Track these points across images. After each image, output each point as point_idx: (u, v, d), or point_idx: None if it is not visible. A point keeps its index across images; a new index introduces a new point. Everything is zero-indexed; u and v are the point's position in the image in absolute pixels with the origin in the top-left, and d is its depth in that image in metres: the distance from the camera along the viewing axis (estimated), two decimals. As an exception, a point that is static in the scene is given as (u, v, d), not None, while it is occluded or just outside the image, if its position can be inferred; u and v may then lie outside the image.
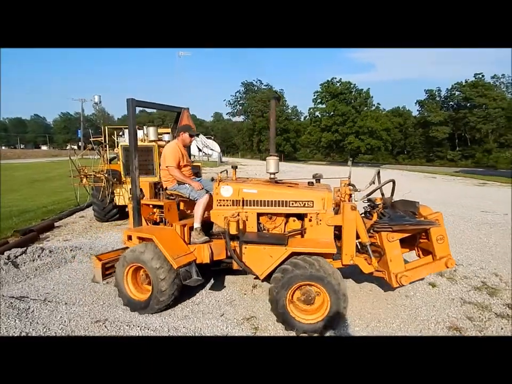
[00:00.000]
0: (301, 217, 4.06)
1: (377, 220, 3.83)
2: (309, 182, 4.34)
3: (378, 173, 4.15)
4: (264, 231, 4.07)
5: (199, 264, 4.08)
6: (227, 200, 3.98)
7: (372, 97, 58.83)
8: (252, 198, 3.94)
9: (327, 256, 3.71)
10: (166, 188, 4.52)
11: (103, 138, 9.30)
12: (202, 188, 4.40)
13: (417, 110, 64.34)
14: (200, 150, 38.53)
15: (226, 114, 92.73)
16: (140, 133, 10.79)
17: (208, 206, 4.24)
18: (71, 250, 6.24)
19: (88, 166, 9.00)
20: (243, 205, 3.95)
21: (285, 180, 4.52)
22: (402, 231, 3.78)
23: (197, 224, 4.25)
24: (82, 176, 8.75)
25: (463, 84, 56.57)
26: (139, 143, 9.31)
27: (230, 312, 4.02)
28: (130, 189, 8.34)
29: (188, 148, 4.88)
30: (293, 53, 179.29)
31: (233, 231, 3.74)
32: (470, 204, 11.70)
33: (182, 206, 4.63)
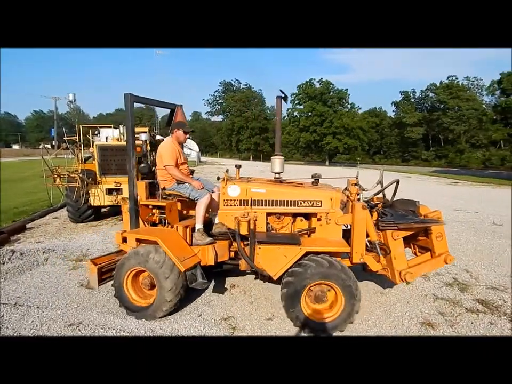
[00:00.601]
0: (307, 216, 4.08)
1: (380, 218, 3.85)
2: (313, 182, 4.35)
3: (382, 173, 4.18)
4: (272, 231, 4.04)
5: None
6: (234, 200, 3.90)
7: (349, 95, 59.75)
8: (261, 198, 3.90)
9: (337, 255, 3.73)
10: (164, 188, 4.34)
11: (77, 137, 9.08)
12: (203, 187, 4.31)
13: (393, 111, 65.86)
14: (178, 150, 38.27)
15: (205, 113, 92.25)
16: (116, 132, 10.57)
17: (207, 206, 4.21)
18: (43, 252, 6.06)
19: (62, 165, 8.76)
20: (251, 205, 3.89)
21: (289, 180, 4.47)
22: (407, 229, 3.86)
23: (199, 225, 4.14)
24: (56, 176, 8.50)
25: (437, 85, 58.23)
26: (115, 142, 9.17)
27: (208, 313, 4.00)
28: (109, 189, 8.26)
29: (182, 145, 4.70)
30: (272, 53, 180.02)
31: (244, 231, 3.71)
32: (443, 203, 12.04)
33: (178, 206, 4.46)
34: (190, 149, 40.92)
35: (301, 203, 3.88)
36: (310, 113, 57.22)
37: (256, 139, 69.64)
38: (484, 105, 54.01)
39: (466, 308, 4.16)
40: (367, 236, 3.74)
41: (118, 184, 8.33)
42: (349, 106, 60.69)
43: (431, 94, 59.69)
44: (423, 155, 57.39)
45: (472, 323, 3.83)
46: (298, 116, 60.53)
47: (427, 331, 3.64)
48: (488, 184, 23.54)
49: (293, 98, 60.39)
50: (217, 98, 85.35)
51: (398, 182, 4.07)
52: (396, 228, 3.79)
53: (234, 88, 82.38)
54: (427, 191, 16.46)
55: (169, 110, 5.03)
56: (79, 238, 7.19)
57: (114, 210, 9.85)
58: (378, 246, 3.75)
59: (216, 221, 4.12)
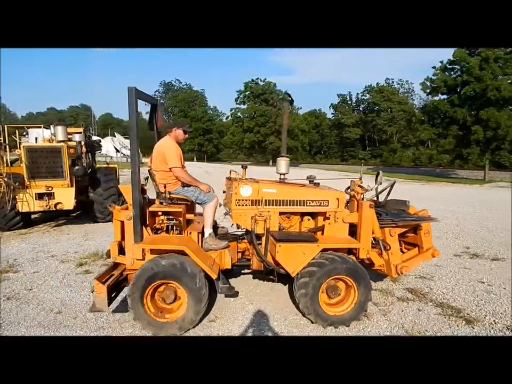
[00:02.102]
0: (314, 216, 4.20)
1: (379, 217, 4.06)
2: (314, 183, 4.47)
3: (378, 174, 4.31)
4: (282, 230, 4.12)
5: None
6: (246, 200, 3.89)
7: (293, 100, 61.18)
8: (272, 198, 3.93)
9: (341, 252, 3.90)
10: (169, 191, 4.01)
11: (2, 138, 8.36)
12: (210, 190, 4.14)
13: (332, 113, 68.66)
14: (118, 151, 36.63)
15: (146, 113, 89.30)
16: (46, 133, 9.88)
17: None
18: (-38, 265, 5.50)
19: (-16, 169, 8.00)
20: (263, 205, 3.91)
21: (292, 181, 4.49)
22: (404, 226, 4.19)
23: (210, 230, 4.03)
24: (-23, 180, 7.75)
25: (371, 89, 61.75)
26: (46, 144, 8.58)
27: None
28: (39, 193, 7.68)
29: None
30: (215, 53, 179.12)
31: (260, 230, 3.79)
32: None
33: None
34: (130, 150, 39.56)
35: (309, 203, 3.99)
36: (254, 113, 57.85)
37: (200, 140, 68.94)
38: (413, 108, 58.14)
39: (397, 297, 4.45)
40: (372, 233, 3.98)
41: (50, 188, 7.80)
42: (291, 107, 62.22)
43: (366, 96, 63.14)
44: (360, 154, 60.63)
45: (402, 311, 4.10)
46: (242, 117, 60.93)
47: (363, 321, 3.83)
48: (418, 180, 25.42)
49: (237, 96, 60.72)
50: (158, 99, 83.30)
51: (394, 183, 4.39)
52: (395, 225, 4.10)
53: (175, 88, 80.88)
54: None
55: (150, 105, 4.59)
56: (5, 248, 6.62)
57: (47, 216, 9.23)
58: (382, 243, 3.99)
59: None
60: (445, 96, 34.58)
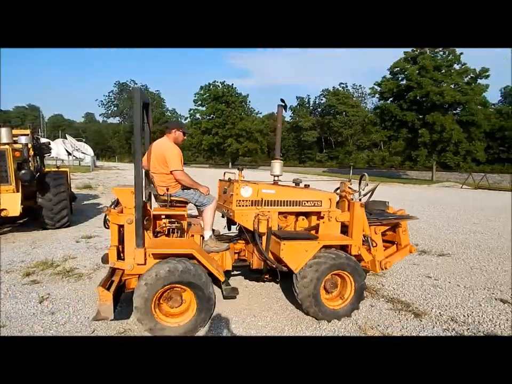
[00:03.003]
0: (308, 215, 4.39)
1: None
2: (305, 185, 4.70)
3: (362, 176, 4.68)
4: (281, 229, 4.27)
5: None
6: (247, 201, 4.01)
7: (249, 102, 61.86)
8: (271, 198, 4.08)
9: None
10: (170, 194, 3.91)
11: None
12: (209, 193, 4.13)
13: (290, 116, 69.88)
14: (69, 154, 35.08)
15: (100, 115, 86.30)
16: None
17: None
18: None
19: None
20: (262, 205, 4.03)
21: (284, 183, 4.60)
22: (388, 224, 4.58)
23: (210, 232, 4.08)
24: None
25: (327, 92, 63.59)
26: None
27: (102, 328, 3.73)
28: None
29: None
30: (172, 53, 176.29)
31: (263, 229, 3.91)
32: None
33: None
34: (83, 152, 38.05)
35: (305, 203, 4.20)
36: (212, 115, 57.59)
37: (157, 142, 67.62)
38: (366, 111, 60.53)
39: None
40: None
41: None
42: (250, 110, 62.76)
43: (323, 100, 64.97)
44: (317, 157, 62.22)
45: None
46: (200, 118, 60.42)
47: (319, 320, 3.93)
48: (372, 182, 26.30)
49: (196, 98, 60.20)
50: (112, 99, 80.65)
51: (377, 185, 4.70)
52: (379, 223, 4.45)
53: (131, 88, 78.72)
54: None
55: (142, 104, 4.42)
56: None
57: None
58: (370, 240, 4.28)
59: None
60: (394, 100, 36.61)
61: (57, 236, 7.61)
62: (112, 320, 3.52)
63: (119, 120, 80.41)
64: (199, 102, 60.27)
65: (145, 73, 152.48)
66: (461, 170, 34.44)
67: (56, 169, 9.27)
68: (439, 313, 4.16)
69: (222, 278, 3.66)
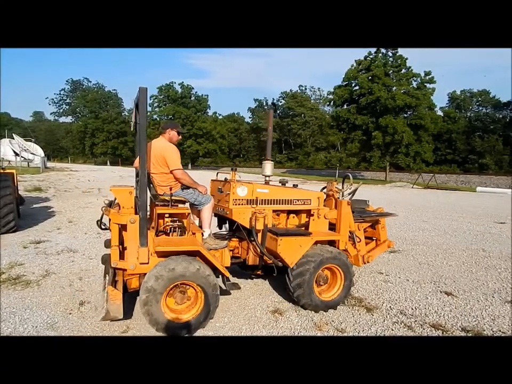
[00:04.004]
0: (298, 213, 4.61)
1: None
2: (293, 185, 4.96)
3: (345, 176, 5.05)
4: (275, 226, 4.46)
5: None
6: (243, 199, 4.17)
7: (209, 105, 61.59)
8: (265, 197, 4.27)
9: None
10: (171, 194, 3.93)
11: None
12: (207, 192, 4.24)
13: (249, 117, 70.28)
14: (17, 155, 33.08)
15: (51, 114, 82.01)
16: None
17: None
18: None
19: None
20: (257, 204, 4.20)
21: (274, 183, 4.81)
22: (370, 221, 5.03)
23: (209, 230, 4.20)
24: None
25: (286, 94, 64.61)
26: None
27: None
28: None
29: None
30: (129, 53, 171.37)
31: (260, 227, 4.06)
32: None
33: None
34: (32, 153, 36.03)
35: (295, 202, 4.42)
36: (172, 117, 56.68)
37: (114, 143, 65.35)
38: (324, 114, 62.17)
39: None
40: None
41: None
42: (209, 111, 62.50)
43: (282, 102, 65.90)
44: (277, 157, 62.89)
45: (313, 305, 4.35)
46: (158, 119, 59.24)
47: (276, 318, 3.99)
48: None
49: (151, 100, 59.00)
50: (64, 98, 77.01)
51: (359, 186, 5.03)
52: (362, 220, 4.83)
53: (84, 87, 75.70)
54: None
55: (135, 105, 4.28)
56: None
57: None
58: (355, 235, 4.63)
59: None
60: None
61: (3, 241, 7.16)
62: (121, 319, 3.53)
63: (71, 119, 76.87)
64: (156, 104, 59.17)
65: (100, 71, 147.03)
66: (412, 171, 36.31)
67: (2, 171, 8.72)
68: (390, 307, 4.37)
69: (227, 274, 3.78)
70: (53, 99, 77.00)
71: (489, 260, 6.63)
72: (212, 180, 4.83)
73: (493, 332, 3.79)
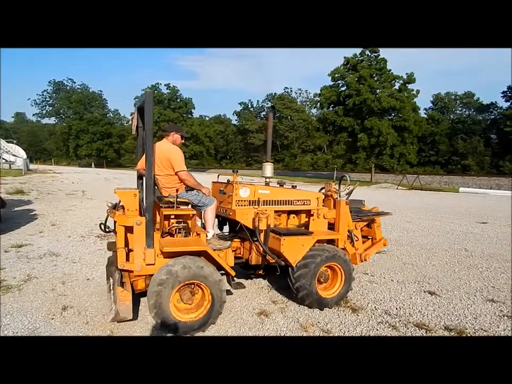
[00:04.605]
0: (297, 213, 4.71)
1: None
2: (292, 186, 4.97)
3: (342, 177, 5.13)
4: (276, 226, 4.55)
5: None
6: (245, 200, 4.24)
7: (194, 106, 61.40)
8: (266, 198, 4.35)
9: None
10: (177, 195, 4.00)
11: None
12: (210, 194, 4.34)
13: (235, 120, 70.25)
14: (-2, 157, 32.35)
15: (33, 115, 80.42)
16: None
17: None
18: None
19: None
20: (259, 205, 4.27)
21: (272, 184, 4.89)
22: (367, 220, 5.22)
23: (212, 231, 4.28)
24: None
25: (272, 96, 64.83)
26: None
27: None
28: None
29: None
30: (115, 53, 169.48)
31: (263, 226, 4.13)
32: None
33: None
34: (14, 155, 35.31)
35: (296, 202, 4.53)
36: (157, 119, 56.29)
37: (99, 144, 64.46)
38: (310, 116, 62.61)
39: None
40: None
41: None
42: (194, 113, 62.36)
43: (268, 104, 66.13)
44: (264, 159, 62.90)
45: (298, 306, 4.36)
46: (144, 121, 58.80)
47: (262, 320, 3.99)
48: (316, 184, 27.26)
49: (136, 102, 58.62)
50: (47, 99, 75.65)
51: (355, 186, 5.16)
52: (360, 219, 5.01)
53: (68, 88, 74.52)
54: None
55: (137, 109, 4.37)
56: None
57: None
58: (353, 234, 4.78)
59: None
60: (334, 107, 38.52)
61: (-18, 245, 6.98)
62: (131, 320, 3.60)
63: (54, 121, 75.53)
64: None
65: (85, 72, 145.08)
66: (396, 172, 36.81)
67: (-19, 173, 8.51)
68: (374, 307, 4.41)
69: (233, 273, 3.87)
70: (35, 100, 75.50)
71: (472, 259, 6.77)
72: (212, 182, 4.88)
73: (475, 330, 3.86)
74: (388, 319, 4.08)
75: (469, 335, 3.75)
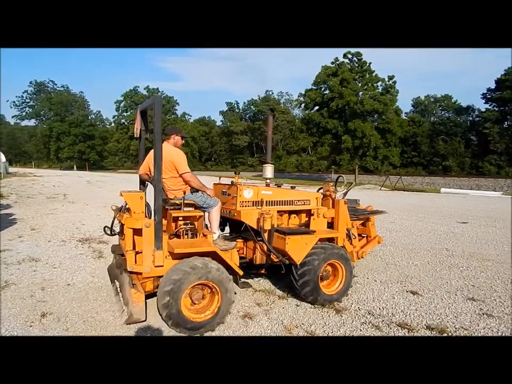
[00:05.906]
0: (298, 213, 4.84)
1: None
2: (291, 186, 5.07)
3: (338, 178, 5.39)
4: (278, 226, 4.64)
5: None
6: (249, 201, 4.33)
7: (178, 104, 61.08)
8: (269, 199, 4.45)
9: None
10: (184, 197, 4.09)
11: None
12: (214, 195, 4.39)
13: (221, 121, 70.11)
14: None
15: (12, 117, 78.66)
16: None
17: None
18: None
19: None
20: (262, 205, 4.36)
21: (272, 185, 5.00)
22: (363, 219, 5.44)
23: (218, 232, 4.33)
24: None
25: (258, 98, 64.97)
26: None
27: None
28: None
29: None
30: (99, 54, 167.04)
31: (268, 226, 4.21)
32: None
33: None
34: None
35: (296, 202, 4.65)
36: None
37: (81, 147, 63.39)
38: (295, 117, 62.94)
39: (278, 296, 4.72)
40: None
41: None
42: (178, 114, 62.02)
43: (252, 106, 66.21)
44: (249, 161, 63.04)
45: (283, 308, 4.37)
46: (126, 123, 58.12)
47: (247, 323, 3.97)
48: (301, 185, 27.45)
49: (117, 105, 58.02)
50: (27, 100, 74.05)
51: (352, 186, 5.34)
52: (356, 218, 5.19)
53: (49, 89, 73.07)
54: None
55: (140, 111, 4.41)
56: None
57: None
58: (351, 233, 4.94)
59: None
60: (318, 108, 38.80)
61: (-42, 251, 6.76)
62: (144, 321, 3.65)
63: (35, 123, 74.01)
64: (123, 108, 58.26)
65: (65, 73, 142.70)
66: (380, 173, 37.32)
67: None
68: (358, 307, 4.44)
69: (240, 273, 3.95)
70: (14, 102, 73.89)
71: (452, 259, 6.90)
72: (214, 184, 4.94)
73: (456, 328, 3.93)
74: (371, 319, 4.11)
75: (450, 334, 3.82)
